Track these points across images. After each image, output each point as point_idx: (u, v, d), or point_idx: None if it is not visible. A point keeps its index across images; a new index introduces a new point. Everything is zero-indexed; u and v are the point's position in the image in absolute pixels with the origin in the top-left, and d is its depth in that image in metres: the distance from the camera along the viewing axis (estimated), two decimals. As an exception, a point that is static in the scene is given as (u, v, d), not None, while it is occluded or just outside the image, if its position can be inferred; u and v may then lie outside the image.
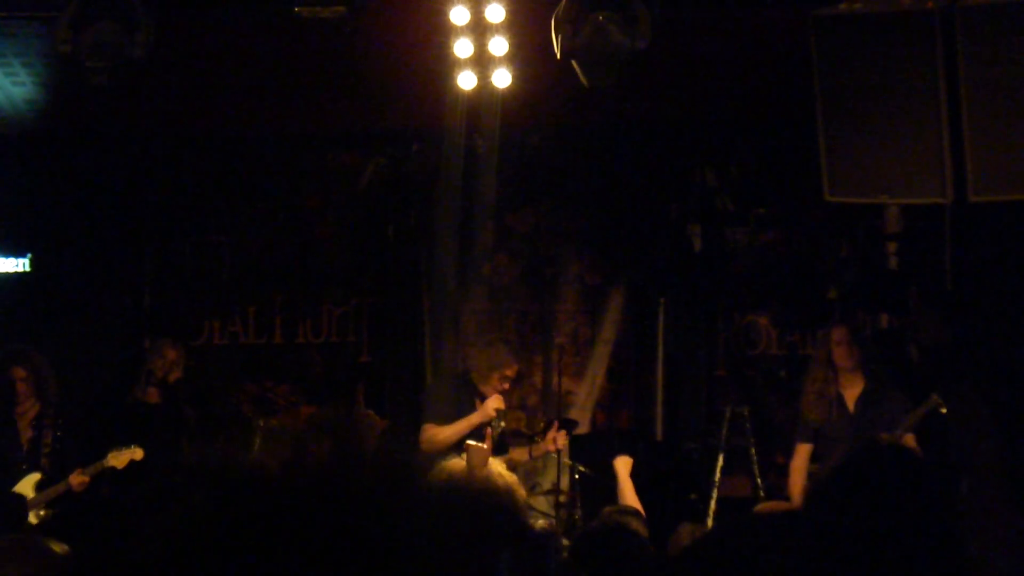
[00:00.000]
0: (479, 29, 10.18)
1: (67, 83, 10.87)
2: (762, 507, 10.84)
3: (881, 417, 10.33)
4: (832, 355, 10.60)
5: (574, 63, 9.19)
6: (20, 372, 10.82)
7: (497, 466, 6.45)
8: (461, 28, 10.18)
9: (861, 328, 11.89)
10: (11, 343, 11.25)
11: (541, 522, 10.06)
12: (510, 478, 6.41)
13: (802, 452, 10.58)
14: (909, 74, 8.88)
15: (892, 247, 12.22)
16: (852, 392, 10.53)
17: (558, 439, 10.27)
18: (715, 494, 11.23)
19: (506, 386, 10.32)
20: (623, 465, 9.77)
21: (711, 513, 11.26)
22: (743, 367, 13.03)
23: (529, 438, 11.12)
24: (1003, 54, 8.67)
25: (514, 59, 10.36)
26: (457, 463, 6.75)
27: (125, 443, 10.63)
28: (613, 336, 13.13)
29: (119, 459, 10.51)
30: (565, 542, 9.60)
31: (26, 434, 10.89)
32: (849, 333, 10.79)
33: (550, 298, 13.21)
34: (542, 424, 10.69)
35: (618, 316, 13.15)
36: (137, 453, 10.55)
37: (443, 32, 10.24)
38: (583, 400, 12.96)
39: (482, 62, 10.41)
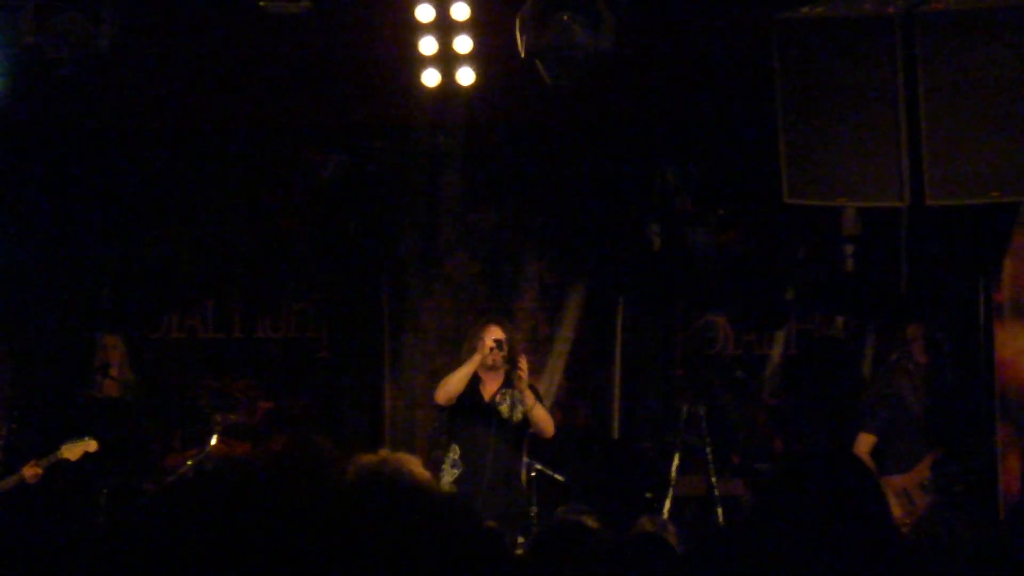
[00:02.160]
0: (444, 27, 10.22)
1: (30, 74, 10.86)
2: None
3: None
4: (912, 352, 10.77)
5: (538, 62, 9.26)
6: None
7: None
8: (426, 25, 10.23)
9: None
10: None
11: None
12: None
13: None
14: (869, 79, 8.96)
15: (849, 249, 12.34)
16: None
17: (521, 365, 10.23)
18: (671, 493, 11.27)
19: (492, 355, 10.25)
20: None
21: (666, 512, 11.30)
22: (700, 366, 13.08)
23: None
24: (961, 60, 8.76)
25: (479, 57, 10.41)
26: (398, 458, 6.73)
27: (80, 436, 10.65)
28: (571, 334, 13.16)
29: (73, 451, 10.51)
30: (520, 539, 9.73)
31: (-20, 426, 10.90)
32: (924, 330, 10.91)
33: (509, 296, 13.24)
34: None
35: (577, 314, 13.19)
36: (91, 445, 10.56)
37: (408, 29, 10.28)
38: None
39: (447, 60, 10.46)
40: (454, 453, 10.08)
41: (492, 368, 10.14)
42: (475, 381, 10.10)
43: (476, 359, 10.04)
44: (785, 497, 3.71)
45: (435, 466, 10.25)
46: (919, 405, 10.83)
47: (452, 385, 10.11)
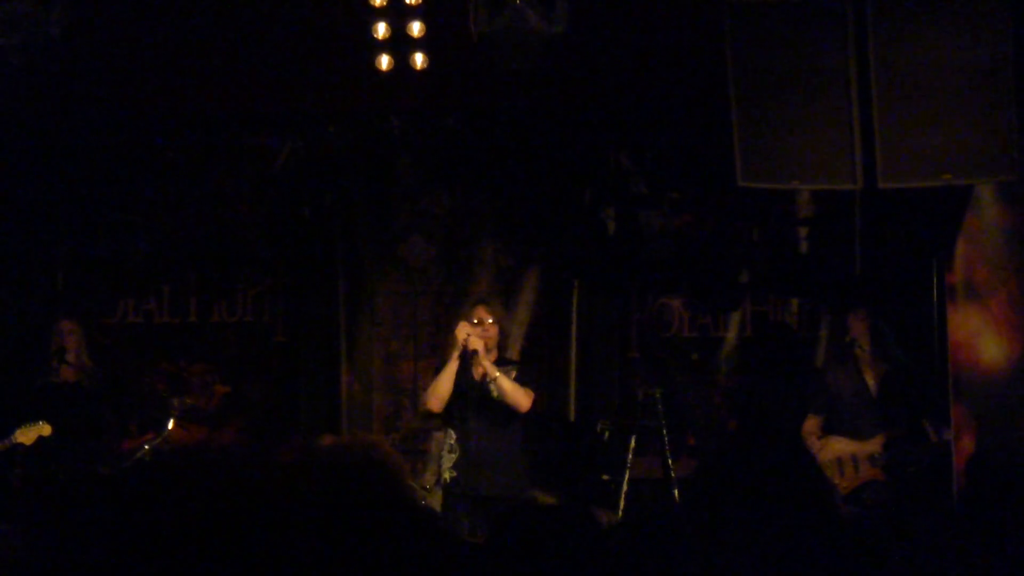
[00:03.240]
0: (397, 11, 10.19)
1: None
2: None
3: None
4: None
5: (490, 46, 9.22)
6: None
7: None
8: (379, 9, 10.20)
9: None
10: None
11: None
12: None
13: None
14: (821, 62, 8.94)
15: (803, 232, 12.37)
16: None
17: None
18: (627, 475, 11.28)
19: (479, 329, 10.24)
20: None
21: (623, 494, 11.30)
22: (656, 349, 13.10)
23: None
24: (913, 45, 8.75)
25: (432, 41, 10.38)
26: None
27: (35, 420, 10.63)
28: (527, 318, 13.14)
29: (27, 435, 10.52)
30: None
31: (-65, 412, 10.88)
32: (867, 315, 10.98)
33: (465, 279, 13.22)
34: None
35: (532, 298, 13.18)
36: (45, 429, 10.56)
37: (361, 13, 10.24)
38: (497, 379, 13.01)
39: (399, 44, 10.43)
40: (450, 438, 10.09)
41: (485, 352, 10.16)
42: (465, 364, 10.09)
43: (455, 357, 10.04)
44: (725, 474, 3.73)
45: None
46: (870, 387, 10.88)
47: (441, 388, 10.11)
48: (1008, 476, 4.43)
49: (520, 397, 10.04)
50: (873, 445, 10.67)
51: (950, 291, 10.04)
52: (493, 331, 10.17)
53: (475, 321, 10.13)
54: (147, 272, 13.38)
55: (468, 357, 10.02)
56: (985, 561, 4.45)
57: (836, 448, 10.60)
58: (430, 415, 11.05)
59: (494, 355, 10.23)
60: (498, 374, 9.99)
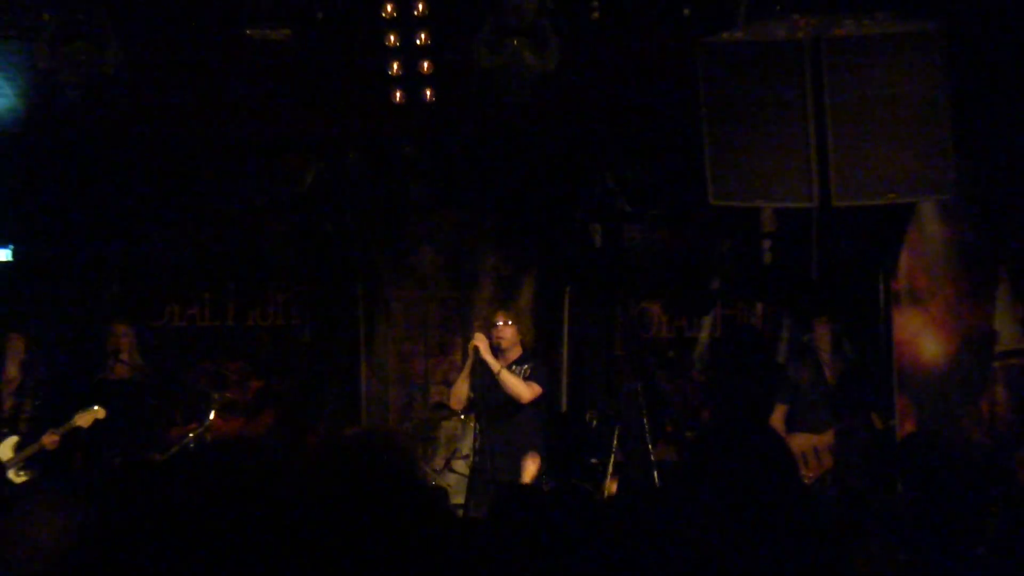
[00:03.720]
0: (408, 51, 10.20)
1: (45, 95, 10.80)
2: None
3: None
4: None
5: (492, 81, 9.24)
6: (10, 349, 10.90)
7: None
8: (393, 50, 10.20)
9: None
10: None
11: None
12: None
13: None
14: (782, 94, 8.94)
15: (766, 244, 12.36)
16: None
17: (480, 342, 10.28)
18: (612, 459, 11.26)
19: (496, 333, 10.31)
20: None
21: (609, 474, 11.29)
22: (637, 348, 13.09)
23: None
24: (862, 78, 8.76)
25: (439, 78, 10.39)
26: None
27: (91, 406, 10.69)
28: (525, 320, 13.15)
29: (84, 419, 10.58)
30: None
31: (8, 401, 10.91)
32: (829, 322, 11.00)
33: (470, 286, 13.23)
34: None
35: (529, 303, 13.18)
36: (100, 413, 10.64)
37: (378, 54, 10.25)
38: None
39: (411, 80, 10.43)
40: (474, 428, 10.12)
41: (503, 351, 10.18)
42: (484, 367, 10.15)
43: (468, 364, 10.12)
44: (706, 457, 3.73)
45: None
46: (825, 381, 10.88)
47: (459, 390, 10.25)
48: (944, 456, 4.44)
49: (521, 390, 10.07)
50: (829, 436, 10.67)
51: (895, 296, 10.08)
52: (508, 332, 10.22)
53: (499, 323, 10.22)
54: (190, 281, 13.38)
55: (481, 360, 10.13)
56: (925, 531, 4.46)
57: (798, 443, 10.57)
58: (452, 411, 11.14)
59: (516, 352, 10.29)
60: (500, 368, 10.03)
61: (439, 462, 11.78)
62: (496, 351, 10.19)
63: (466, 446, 10.30)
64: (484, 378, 10.13)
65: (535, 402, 10.17)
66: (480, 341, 10.08)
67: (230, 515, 3.12)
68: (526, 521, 5.37)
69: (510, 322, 10.33)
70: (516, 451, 10.05)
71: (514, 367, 10.24)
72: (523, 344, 10.44)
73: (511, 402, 10.09)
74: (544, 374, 10.38)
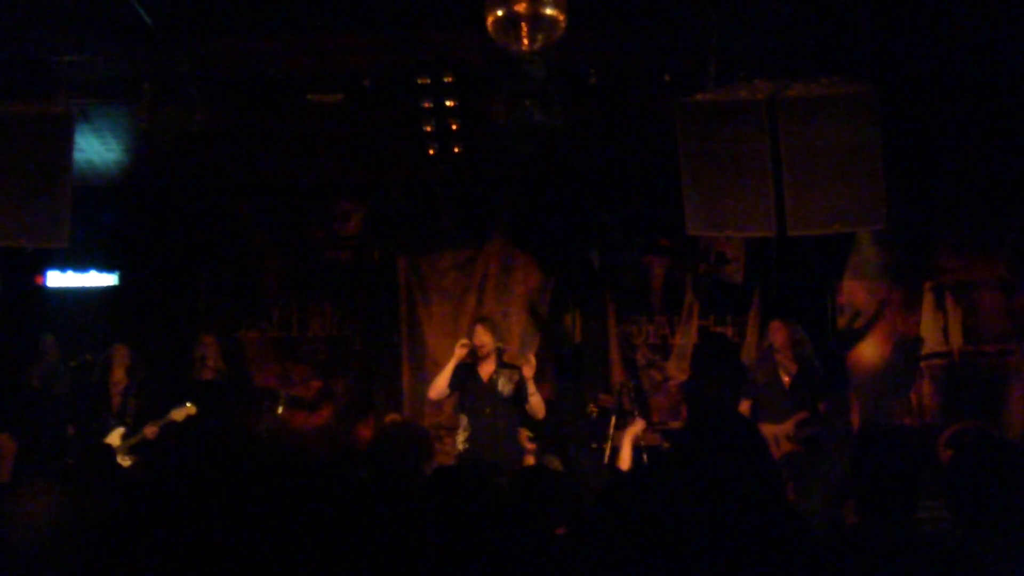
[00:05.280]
0: (440, 112, 10.22)
1: (144, 150, 10.85)
2: None
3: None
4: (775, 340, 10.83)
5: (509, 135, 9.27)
6: (117, 357, 10.98)
7: None
8: (427, 111, 10.22)
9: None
10: (109, 336, 11.37)
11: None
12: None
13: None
14: (745, 144, 8.95)
15: (732, 267, 12.32)
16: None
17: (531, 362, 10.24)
18: (609, 444, 11.22)
19: (477, 340, 10.25)
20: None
21: (606, 457, 11.24)
22: (629, 352, 13.07)
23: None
24: (810, 130, 8.78)
25: (464, 133, 10.40)
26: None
27: (183, 403, 10.73)
28: (540, 330, 13.16)
29: (178, 414, 10.61)
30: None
31: (116, 400, 10.95)
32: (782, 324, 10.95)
33: (496, 305, 13.22)
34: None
35: (545, 316, 13.19)
36: (191, 410, 10.65)
37: (414, 114, 10.28)
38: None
39: (442, 135, 10.45)
40: (464, 422, 10.07)
41: (484, 357, 10.12)
42: (474, 368, 10.10)
43: (452, 362, 10.06)
44: (694, 443, 3.72)
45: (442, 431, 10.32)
46: (784, 381, 10.84)
47: (438, 383, 10.12)
48: (884, 441, 4.42)
49: (541, 410, 10.04)
50: (787, 426, 10.62)
51: (840, 309, 10.03)
52: (486, 340, 10.14)
53: (479, 332, 10.16)
54: (262, 300, 13.39)
55: (474, 361, 10.08)
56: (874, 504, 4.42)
57: (763, 432, 10.53)
58: (433, 402, 11.10)
59: (493, 357, 10.21)
60: (534, 391, 9.96)
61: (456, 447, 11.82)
62: (476, 356, 10.15)
63: (460, 439, 10.25)
64: (475, 377, 10.13)
65: (517, 399, 10.12)
66: (466, 347, 10.05)
67: (299, 483, 3.17)
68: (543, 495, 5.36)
69: (488, 332, 10.28)
70: (502, 441, 10.01)
71: (499, 372, 10.19)
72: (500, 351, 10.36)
73: (501, 400, 10.06)
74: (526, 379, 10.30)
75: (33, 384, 11.56)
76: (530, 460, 10.15)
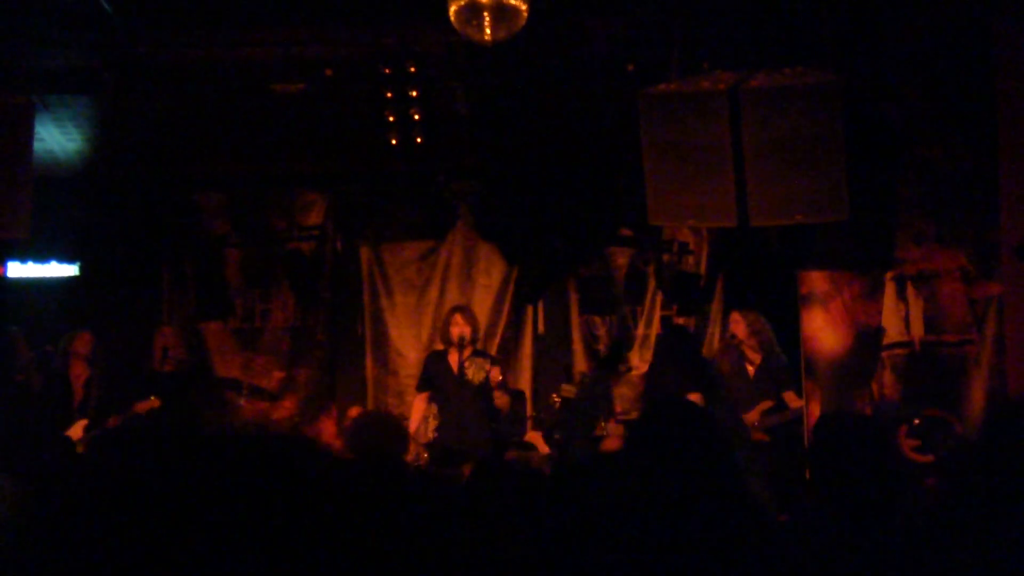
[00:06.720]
0: (402, 102, 10.22)
1: (105, 140, 10.82)
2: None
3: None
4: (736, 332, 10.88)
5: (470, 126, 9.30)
6: (78, 348, 10.92)
7: None
8: (390, 101, 10.22)
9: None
10: (70, 328, 11.31)
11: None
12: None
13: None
14: (708, 134, 8.96)
15: (693, 259, 12.38)
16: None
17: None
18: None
19: (457, 330, 10.38)
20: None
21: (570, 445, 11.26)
22: (592, 343, 13.12)
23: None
24: (772, 120, 8.79)
25: (425, 124, 10.42)
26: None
27: (147, 397, 10.71)
28: (504, 322, 13.22)
29: (141, 406, 10.60)
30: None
31: (79, 392, 10.91)
32: (742, 315, 11.01)
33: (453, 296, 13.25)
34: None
35: (508, 308, 13.25)
36: (154, 402, 10.62)
37: (376, 104, 10.28)
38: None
39: (403, 125, 10.46)
40: (435, 408, 10.17)
41: (456, 346, 10.23)
42: (444, 356, 10.22)
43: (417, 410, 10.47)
44: (647, 430, 3.74)
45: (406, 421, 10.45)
46: (748, 371, 10.90)
47: (414, 419, 10.46)
48: (844, 431, 4.45)
49: (506, 407, 10.31)
50: (752, 415, 10.69)
51: (803, 299, 10.08)
52: (466, 329, 10.26)
53: (460, 321, 10.28)
54: (224, 290, 13.35)
55: (446, 349, 10.23)
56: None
57: None
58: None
59: (469, 348, 10.33)
60: (501, 394, 10.22)
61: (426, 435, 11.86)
62: (457, 342, 10.27)
63: (430, 426, 10.35)
64: (445, 366, 10.29)
65: (487, 388, 10.26)
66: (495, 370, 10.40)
67: (262, 475, 3.18)
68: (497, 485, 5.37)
69: (467, 320, 10.40)
70: (470, 428, 10.12)
71: (470, 360, 10.30)
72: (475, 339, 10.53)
73: (470, 389, 10.17)
74: (506, 376, 10.51)
75: (17, 379, 11.48)
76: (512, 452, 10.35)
